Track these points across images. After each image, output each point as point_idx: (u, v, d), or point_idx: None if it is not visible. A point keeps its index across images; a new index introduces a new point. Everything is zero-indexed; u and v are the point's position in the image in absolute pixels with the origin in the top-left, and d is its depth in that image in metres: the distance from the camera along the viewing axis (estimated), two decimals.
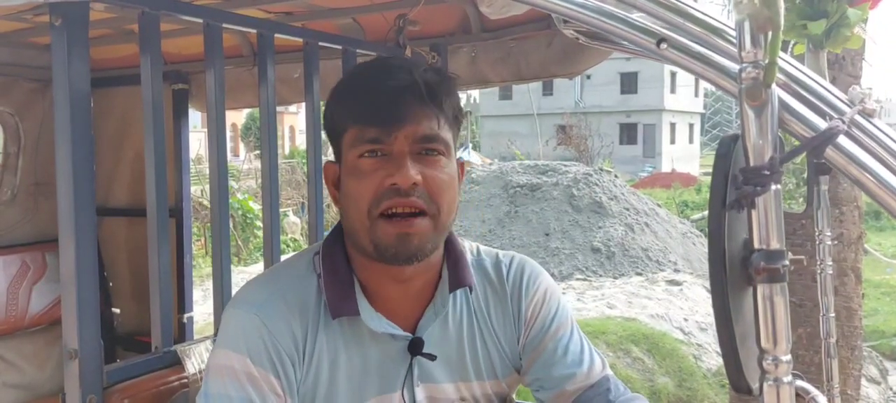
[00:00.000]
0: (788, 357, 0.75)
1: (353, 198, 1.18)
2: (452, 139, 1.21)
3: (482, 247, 1.41)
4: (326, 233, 1.35)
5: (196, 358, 1.80)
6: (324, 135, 1.37)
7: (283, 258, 1.53)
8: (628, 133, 39.58)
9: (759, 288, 0.74)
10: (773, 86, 0.74)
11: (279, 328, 1.20)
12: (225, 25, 1.88)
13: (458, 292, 1.31)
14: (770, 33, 0.73)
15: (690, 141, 43.09)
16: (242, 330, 1.21)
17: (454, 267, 1.30)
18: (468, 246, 1.38)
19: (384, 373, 1.27)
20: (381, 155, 1.16)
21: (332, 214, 13.34)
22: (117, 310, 2.99)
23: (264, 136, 2.10)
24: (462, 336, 1.32)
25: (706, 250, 0.81)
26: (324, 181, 1.28)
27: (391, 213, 1.15)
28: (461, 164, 1.26)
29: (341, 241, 1.27)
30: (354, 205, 1.18)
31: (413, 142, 1.16)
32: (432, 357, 1.27)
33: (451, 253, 1.30)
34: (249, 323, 1.20)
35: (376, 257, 1.19)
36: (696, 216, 15.66)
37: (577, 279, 9.36)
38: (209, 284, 2.00)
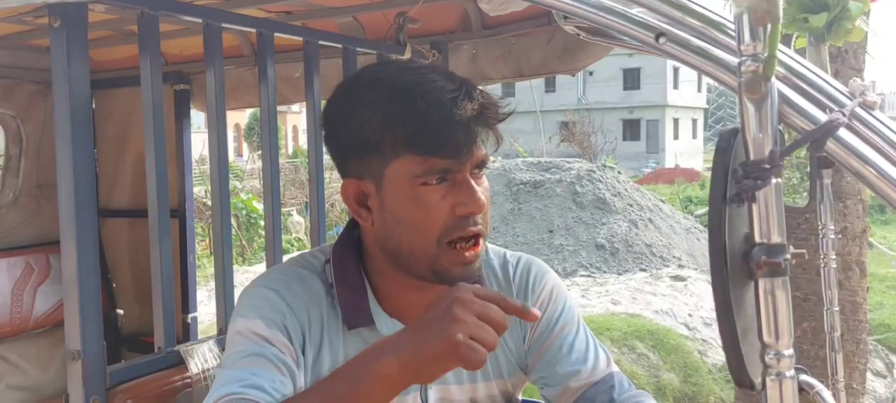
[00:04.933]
0: (791, 351, 0.74)
1: (414, 226, 1.14)
2: None
3: (490, 247, 1.40)
4: (330, 233, 1.33)
5: (199, 358, 1.80)
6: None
7: (292, 256, 1.50)
8: (631, 129, 39.56)
9: (761, 283, 0.74)
10: (773, 79, 0.74)
11: (295, 303, 1.19)
12: (224, 25, 1.88)
13: None
14: (769, 26, 0.73)
15: (694, 136, 43.04)
16: (256, 300, 1.19)
17: None
18: None
19: None
20: (442, 182, 1.13)
21: (334, 214, 13.36)
22: (121, 311, 2.99)
23: (265, 136, 2.10)
24: None
25: None
26: (345, 202, 1.22)
27: (457, 240, 1.14)
28: None
29: (351, 250, 1.25)
30: (416, 233, 1.14)
31: (472, 167, 1.15)
32: None
33: None
34: (264, 295, 1.19)
35: (435, 281, 1.18)
36: (700, 211, 15.66)
37: (581, 275, 9.35)
38: (214, 284, 2.01)
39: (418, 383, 1.01)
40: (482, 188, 1.16)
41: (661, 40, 0.92)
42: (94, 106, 2.66)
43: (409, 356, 0.96)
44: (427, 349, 0.95)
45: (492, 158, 1.27)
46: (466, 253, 1.15)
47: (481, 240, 1.17)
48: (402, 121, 1.11)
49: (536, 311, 1.02)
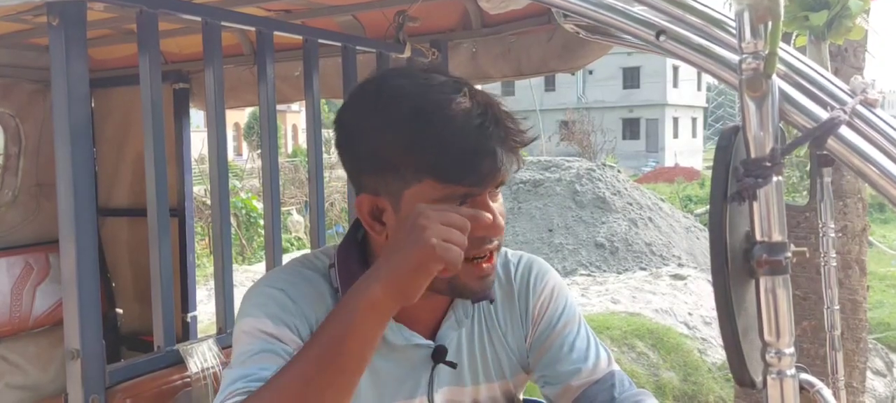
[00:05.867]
0: (792, 350, 0.74)
1: None
2: None
3: None
4: (330, 232, 1.32)
5: (198, 357, 1.80)
6: (325, 134, 1.32)
7: (294, 255, 1.48)
8: (631, 128, 39.56)
9: (762, 281, 0.74)
10: (774, 76, 0.74)
11: (302, 302, 1.18)
12: (224, 23, 1.88)
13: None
14: (770, 24, 0.73)
15: (693, 135, 43.06)
16: (262, 299, 1.18)
17: None
18: None
19: (408, 380, 1.26)
20: (460, 204, 1.11)
21: (334, 213, 13.36)
22: (120, 310, 2.99)
23: (265, 135, 2.10)
24: (473, 340, 1.32)
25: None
26: (359, 215, 1.19)
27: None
28: None
29: (356, 254, 1.24)
30: None
31: (493, 188, 1.14)
32: (454, 365, 1.27)
33: None
34: (270, 294, 1.18)
35: (448, 294, 1.21)
36: (700, 210, 15.66)
37: (581, 274, 9.35)
38: (214, 283, 2.01)
39: (404, 302, 1.03)
40: (498, 205, 1.16)
41: (662, 38, 0.92)
42: (93, 105, 2.65)
43: (390, 277, 1.01)
44: (405, 264, 1.00)
45: None
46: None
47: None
48: (425, 148, 1.08)
49: (487, 215, 1.08)
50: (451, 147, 1.08)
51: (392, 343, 1.23)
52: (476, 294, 1.20)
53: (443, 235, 0.99)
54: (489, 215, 1.10)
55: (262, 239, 11.57)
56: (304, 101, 2.24)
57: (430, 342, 1.26)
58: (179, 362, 1.77)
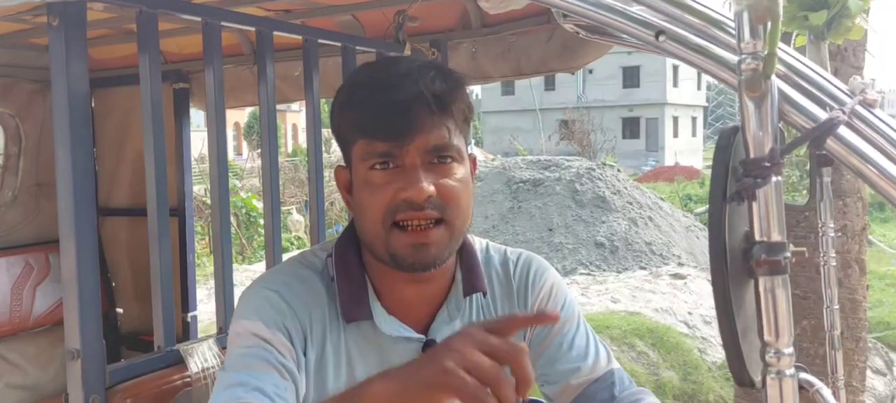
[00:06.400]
0: (791, 349, 0.74)
1: (367, 210, 1.17)
2: (464, 142, 1.19)
3: (491, 244, 1.40)
4: (330, 231, 1.33)
5: (199, 357, 1.80)
6: (325, 134, 1.35)
7: (292, 254, 1.50)
8: (631, 127, 39.56)
9: (761, 281, 0.74)
10: (773, 77, 0.74)
11: (296, 304, 1.20)
12: (223, 23, 1.88)
13: (471, 295, 1.31)
14: (769, 24, 0.73)
15: (693, 134, 43.07)
16: (257, 301, 1.20)
17: (468, 272, 1.29)
18: (477, 243, 1.37)
19: None
20: (392, 166, 1.14)
21: (334, 212, 13.36)
22: (120, 310, 2.99)
23: (264, 135, 2.10)
24: None
25: None
26: (336, 185, 1.26)
27: (405, 224, 1.14)
28: (472, 158, 1.25)
29: (354, 244, 1.26)
30: (368, 217, 1.17)
31: (425, 153, 1.14)
32: None
33: (465, 256, 1.29)
34: (265, 295, 1.20)
35: (393, 266, 1.18)
36: (700, 209, 15.66)
37: (581, 274, 9.35)
38: (214, 283, 2.01)
39: None
40: (440, 177, 1.15)
41: (661, 38, 0.92)
42: (93, 104, 2.66)
43: (398, 382, 0.92)
44: (416, 376, 0.91)
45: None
46: (417, 234, 1.14)
47: (442, 227, 1.15)
48: (352, 107, 1.17)
49: (555, 312, 1.03)
50: (368, 102, 1.14)
51: (384, 335, 1.23)
52: (410, 264, 1.17)
53: (467, 361, 0.86)
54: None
55: (262, 238, 11.57)
56: (304, 101, 2.24)
57: (421, 336, 1.26)
58: (179, 362, 1.78)
